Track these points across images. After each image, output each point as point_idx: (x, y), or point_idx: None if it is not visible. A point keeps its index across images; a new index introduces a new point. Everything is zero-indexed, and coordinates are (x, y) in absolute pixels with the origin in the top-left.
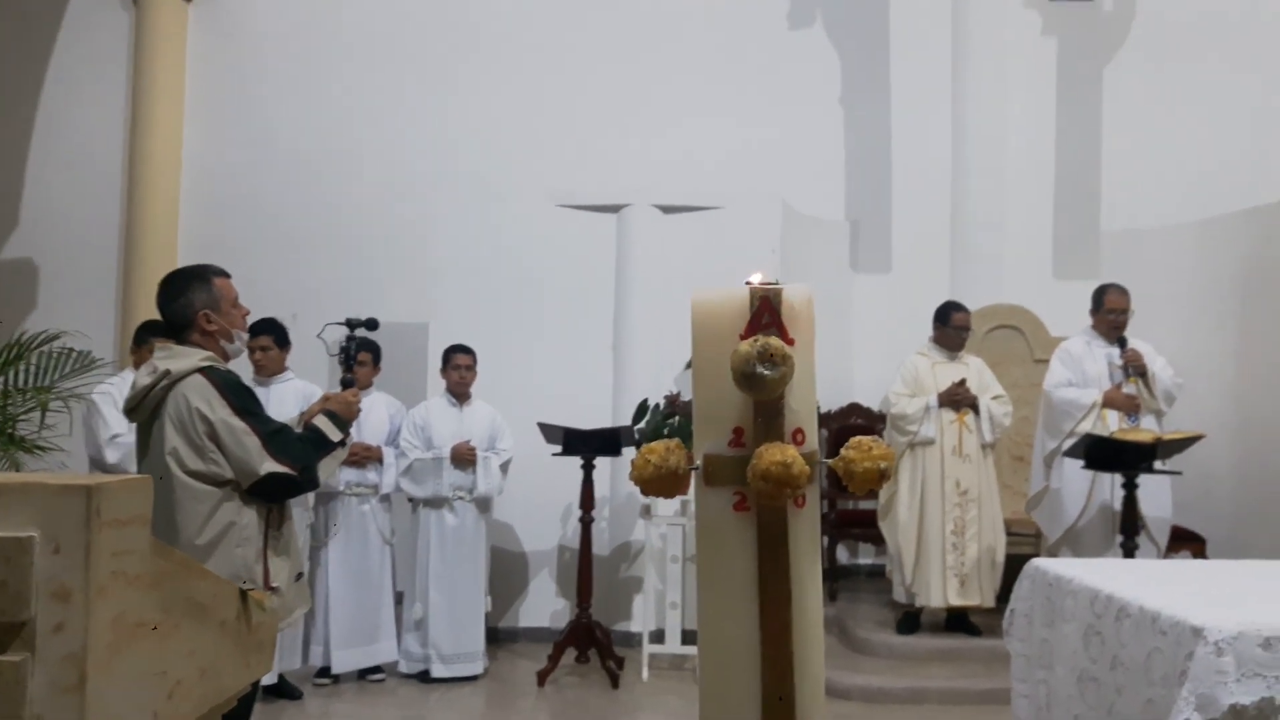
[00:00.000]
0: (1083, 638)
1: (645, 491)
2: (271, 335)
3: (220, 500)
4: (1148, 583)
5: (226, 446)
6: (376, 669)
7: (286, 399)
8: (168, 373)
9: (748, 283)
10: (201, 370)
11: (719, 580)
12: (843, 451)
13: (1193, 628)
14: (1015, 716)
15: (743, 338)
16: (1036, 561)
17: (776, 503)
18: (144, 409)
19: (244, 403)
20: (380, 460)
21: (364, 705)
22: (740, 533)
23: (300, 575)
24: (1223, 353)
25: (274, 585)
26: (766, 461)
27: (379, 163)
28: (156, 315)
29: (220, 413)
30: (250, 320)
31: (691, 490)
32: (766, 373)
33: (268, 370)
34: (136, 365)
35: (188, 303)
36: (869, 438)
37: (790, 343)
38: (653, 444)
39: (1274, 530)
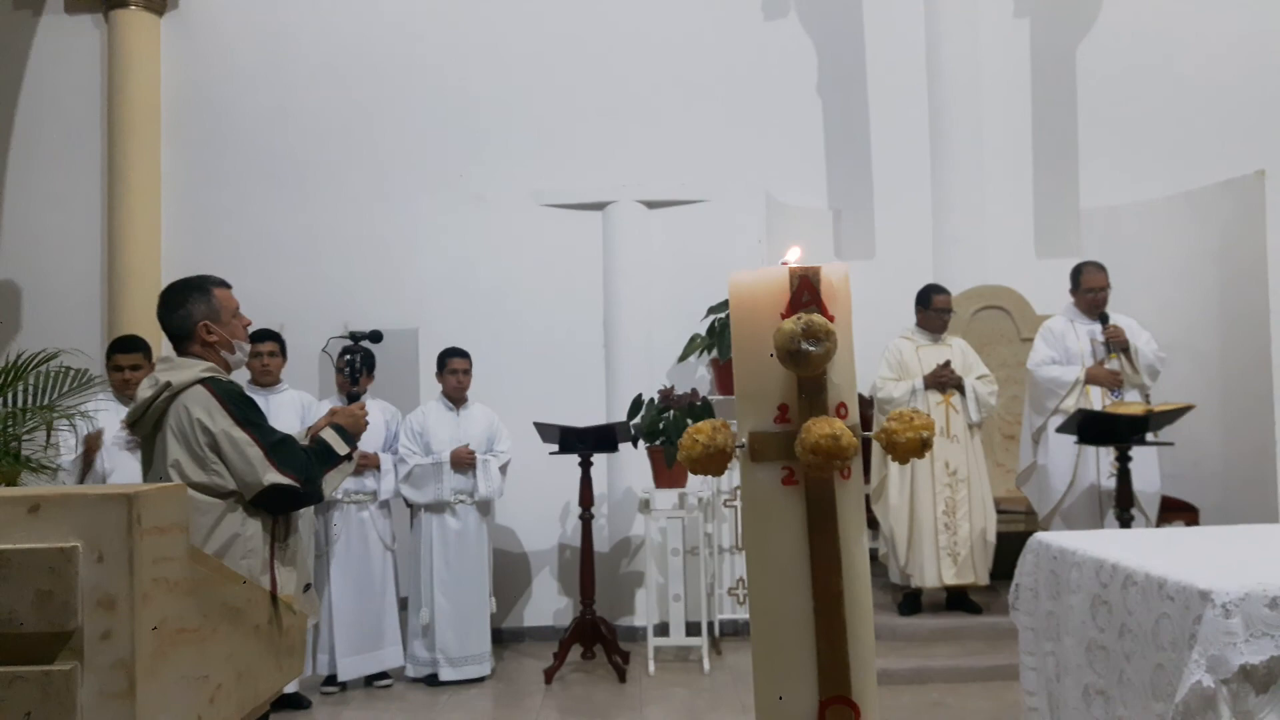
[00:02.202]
0: (1090, 608)
1: (693, 470)
2: (277, 342)
3: (224, 512)
4: (1152, 551)
5: (228, 457)
6: (383, 675)
7: (285, 409)
8: (169, 384)
9: (784, 263)
10: (202, 381)
11: (769, 553)
12: (885, 423)
13: (1200, 591)
14: (1024, 688)
15: (784, 316)
16: (1040, 535)
17: (825, 475)
18: (146, 422)
19: (246, 413)
20: (378, 467)
21: (373, 712)
22: (789, 506)
23: (308, 586)
24: (1205, 323)
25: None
26: (815, 435)
27: (362, 169)
28: (142, 332)
29: (221, 423)
30: (251, 330)
31: (689, 483)
32: (811, 349)
33: (271, 378)
34: (115, 386)
35: (187, 314)
36: (910, 408)
37: (830, 319)
38: (699, 424)
39: (1263, 496)
